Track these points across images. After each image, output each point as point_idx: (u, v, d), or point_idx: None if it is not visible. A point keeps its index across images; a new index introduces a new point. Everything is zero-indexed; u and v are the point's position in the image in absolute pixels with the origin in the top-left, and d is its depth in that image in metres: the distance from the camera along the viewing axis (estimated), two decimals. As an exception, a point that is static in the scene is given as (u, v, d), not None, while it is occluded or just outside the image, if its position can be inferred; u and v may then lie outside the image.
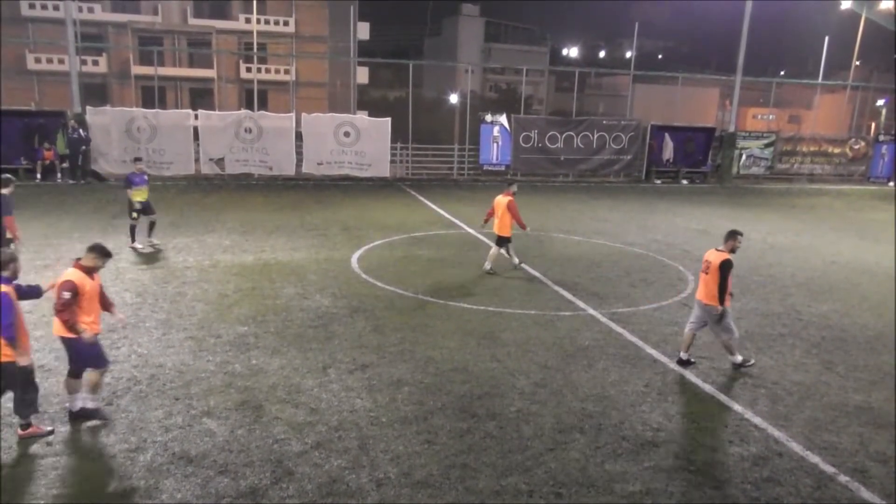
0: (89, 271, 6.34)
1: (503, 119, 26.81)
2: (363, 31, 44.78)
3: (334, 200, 20.76)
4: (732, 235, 8.45)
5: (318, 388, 7.27)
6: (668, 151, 28.56)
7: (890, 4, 32.87)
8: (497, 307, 10.43)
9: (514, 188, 12.58)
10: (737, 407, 7.34)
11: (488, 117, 26.93)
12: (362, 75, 44.96)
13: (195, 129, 24.14)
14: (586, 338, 9.28)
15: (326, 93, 46.26)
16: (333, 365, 7.95)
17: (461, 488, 5.55)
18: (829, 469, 6.16)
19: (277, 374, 7.65)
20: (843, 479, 6.01)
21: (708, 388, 7.81)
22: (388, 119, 25.72)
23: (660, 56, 57.09)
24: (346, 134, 25.01)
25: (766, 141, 30.12)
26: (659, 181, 28.04)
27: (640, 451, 6.30)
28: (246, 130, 24.25)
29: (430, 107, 44.58)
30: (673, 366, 8.40)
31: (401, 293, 10.99)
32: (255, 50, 36.85)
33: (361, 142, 25.11)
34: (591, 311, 10.47)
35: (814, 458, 6.33)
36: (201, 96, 43.76)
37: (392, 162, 26.08)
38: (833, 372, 8.51)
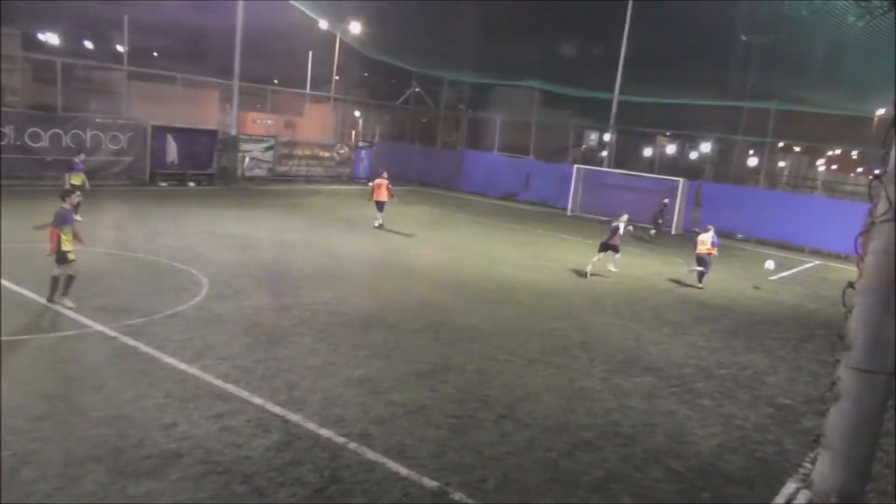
0: None
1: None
2: None
3: None
4: None
5: None
6: (172, 153, 27.84)
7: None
8: (-23, 336, 8.73)
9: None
10: (257, 400, 7.63)
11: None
12: None
13: None
14: (95, 357, 8.47)
15: None
16: None
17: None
18: (341, 440, 6.90)
19: None
20: (352, 445, 6.80)
21: (230, 387, 7.92)
22: None
23: (155, 53, 55.08)
24: None
25: (266, 144, 31.84)
26: (164, 184, 27.13)
27: (166, 464, 6.06)
28: None
29: None
30: (193, 371, 8.28)
31: None
32: None
33: None
34: (99, 328, 9.58)
35: (327, 433, 7.00)
36: None
37: None
38: (338, 352, 9.53)
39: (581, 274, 17.05)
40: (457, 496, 6.12)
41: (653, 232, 25.73)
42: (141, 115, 28.39)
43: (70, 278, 10.36)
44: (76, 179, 17.31)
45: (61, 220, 10.13)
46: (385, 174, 21.79)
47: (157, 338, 9.35)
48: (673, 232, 27.82)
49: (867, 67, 24.17)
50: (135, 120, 27.13)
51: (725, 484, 6.98)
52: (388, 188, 21.26)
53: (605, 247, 17.15)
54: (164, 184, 27.08)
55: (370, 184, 21.78)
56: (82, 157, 18.95)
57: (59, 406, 7.01)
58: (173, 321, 10.18)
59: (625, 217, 17.94)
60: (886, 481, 2.08)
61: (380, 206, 21.28)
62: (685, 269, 18.34)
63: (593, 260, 17.16)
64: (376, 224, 21.24)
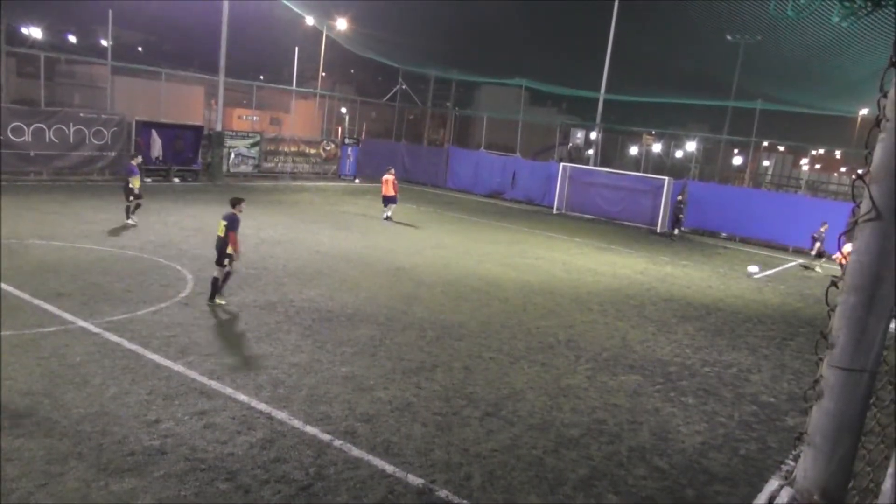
0: None
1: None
2: None
3: None
4: None
5: None
6: (157, 149, 27.61)
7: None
8: (-43, 332, 8.63)
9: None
10: (242, 397, 7.60)
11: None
12: None
13: None
14: (77, 353, 8.40)
15: None
16: None
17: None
18: (326, 437, 6.88)
19: None
20: (337, 443, 6.78)
21: (215, 383, 7.88)
22: None
23: (140, 48, 54.60)
24: None
25: (252, 140, 31.66)
26: (149, 180, 26.87)
27: (149, 461, 6.02)
28: None
29: None
30: (178, 368, 8.23)
31: None
32: None
33: None
34: (82, 323, 9.51)
35: (312, 430, 6.98)
36: None
37: None
38: (324, 349, 9.50)
39: (568, 272, 17.14)
40: (442, 493, 6.12)
41: (676, 232, 26.47)
42: (125, 110, 28.16)
43: (228, 275, 11.15)
44: (135, 182, 17.29)
45: (237, 224, 10.98)
46: (392, 170, 23.24)
47: (141, 334, 9.28)
48: (658, 230, 27.98)
49: (851, 67, 24.40)
50: (119, 115, 26.88)
51: (709, 481, 7.03)
52: (393, 184, 22.68)
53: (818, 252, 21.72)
54: (148, 179, 26.82)
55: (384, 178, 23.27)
56: (139, 159, 18.97)
57: (41, 402, 6.95)
58: (157, 317, 10.11)
59: (824, 227, 21.18)
60: (868, 479, 2.10)
61: (385, 200, 22.83)
62: (673, 267, 18.80)
63: (812, 260, 22.25)
64: (384, 217, 22.72)
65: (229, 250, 10.86)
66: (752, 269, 20.16)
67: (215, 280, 11.02)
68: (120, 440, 6.35)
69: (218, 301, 10.99)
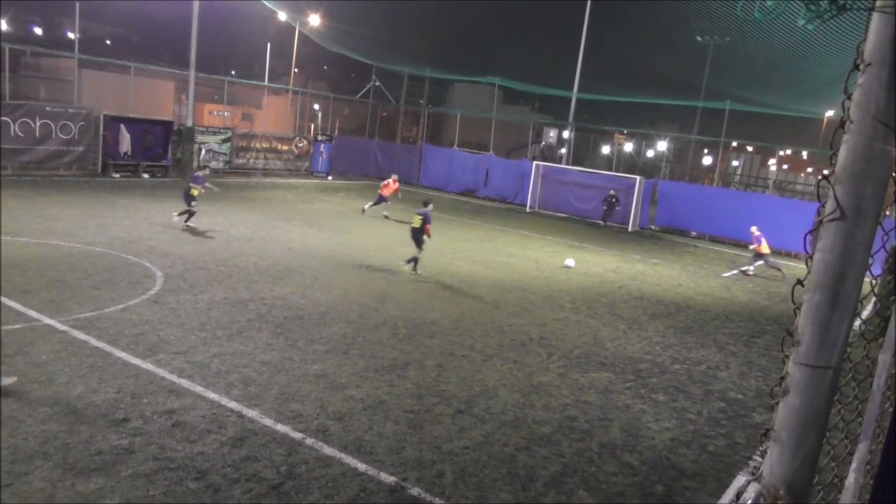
0: None
1: None
2: None
3: None
4: None
5: None
6: (126, 144, 27.17)
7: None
8: (-84, 331, 8.41)
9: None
10: (212, 395, 7.51)
11: None
12: None
13: None
14: (43, 351, 8.24)
15: None
16: None
17: None
18: (298, 435, 6.84)
19: None
20: (309, 441, 6.75)
21: (184, 382, 7.79)
22: None
23: (108, 42, 53.68)
24: None
25: (223, 136, 31.30)
26: (118, 175, 26.48)
27: (117, 461, 5.93)
28: None
29: None
30: (146, 366, 8.11)
31: None
32: None
33: None
34: (48, 321, 9.32)
35: (284, 429, 6.93)
36: None
37: None
38: (295, 347, 9.44)
39: (541, 270, 17.25)
40: (414, 491, 6.12)
41: (603, 223, 28.25)
42: (93, 104, 27.64)
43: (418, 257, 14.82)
44: (195, 190, 18.05)
45: (430, 219, 14.80)
46: (395, 176, 24.56)
47: (109, 332, 9.14)
48: (630, 229, 28.25)
49: (818, 69, 24.86)
50: (86, 109, 26.39)
51: (679, 477, 7.13)
52: (386, 186, 23.60)
53: None
54: (116, 175, 26.43)
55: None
56: (206, 171, 20.46)
57: (6, 401, 6.80)
58: (126, 315, 9.96)
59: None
60: (832, 474, 2.15)
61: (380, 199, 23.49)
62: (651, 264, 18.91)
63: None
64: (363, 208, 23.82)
65: (424, 237, 14.69)
66: (569, 262, 18.46)
67: (416, 258, 14.74)
68: (87, 439, 6.24)
69: (417, 272, 14.72)
